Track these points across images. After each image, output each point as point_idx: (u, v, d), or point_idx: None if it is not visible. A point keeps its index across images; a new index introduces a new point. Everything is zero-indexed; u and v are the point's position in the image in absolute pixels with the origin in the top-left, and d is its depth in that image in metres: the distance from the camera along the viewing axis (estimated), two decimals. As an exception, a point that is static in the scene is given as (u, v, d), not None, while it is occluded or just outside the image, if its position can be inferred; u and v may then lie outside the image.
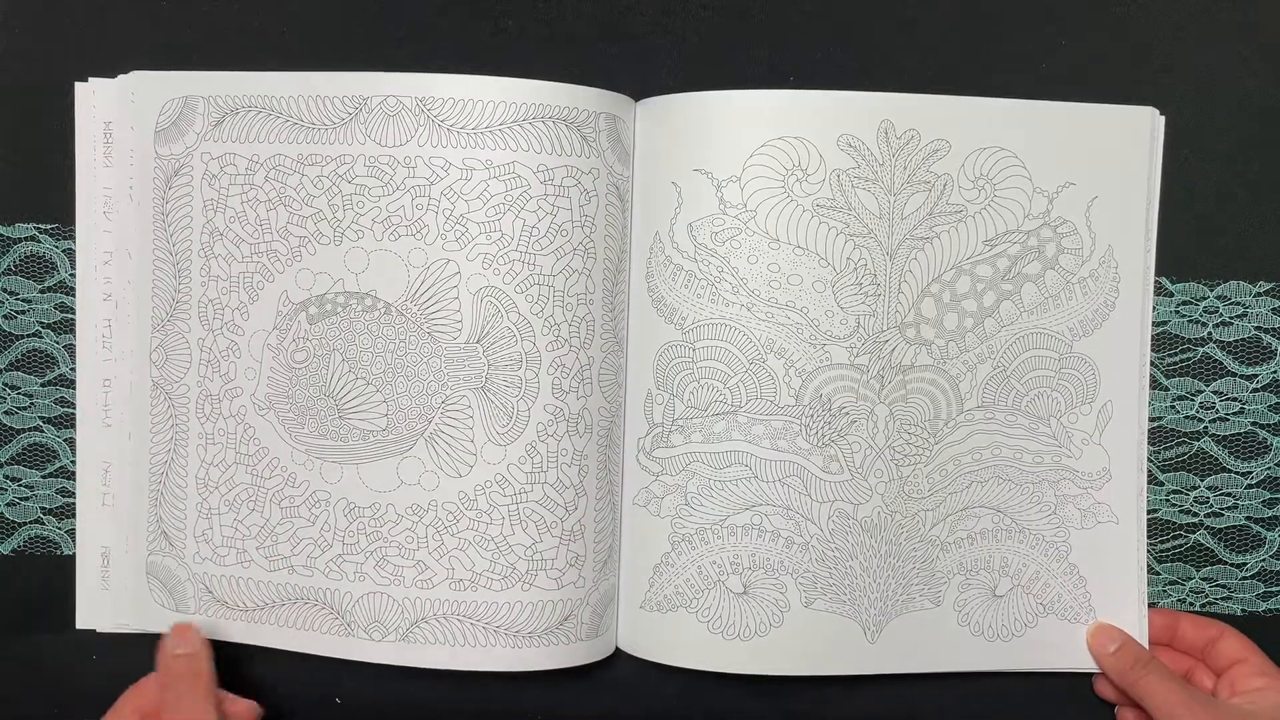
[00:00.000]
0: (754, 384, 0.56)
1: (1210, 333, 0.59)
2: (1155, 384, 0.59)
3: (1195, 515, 0.59)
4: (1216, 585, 0.60)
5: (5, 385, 0.60)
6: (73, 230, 0.59)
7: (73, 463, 0.60)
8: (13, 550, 0.61)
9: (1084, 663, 0.58)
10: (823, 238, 0.55)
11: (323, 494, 0.56)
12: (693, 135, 0.55)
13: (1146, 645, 0.57)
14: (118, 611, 0.59)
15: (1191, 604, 0.60)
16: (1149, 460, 0.58)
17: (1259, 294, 0.58)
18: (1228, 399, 0.59)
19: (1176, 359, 0.59)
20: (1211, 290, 0.59)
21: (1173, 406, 0.59)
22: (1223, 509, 0.59)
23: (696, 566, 0.56)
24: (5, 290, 0.60)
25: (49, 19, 0.59)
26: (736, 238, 0.55)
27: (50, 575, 0.60)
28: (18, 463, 0.60)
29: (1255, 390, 0.59)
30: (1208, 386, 0.59)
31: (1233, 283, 0.58)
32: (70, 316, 0.60)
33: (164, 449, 0.58)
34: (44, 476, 0.60)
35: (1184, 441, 0.59)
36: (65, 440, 0.60)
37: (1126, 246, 0.57)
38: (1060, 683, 0.59)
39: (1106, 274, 0.57)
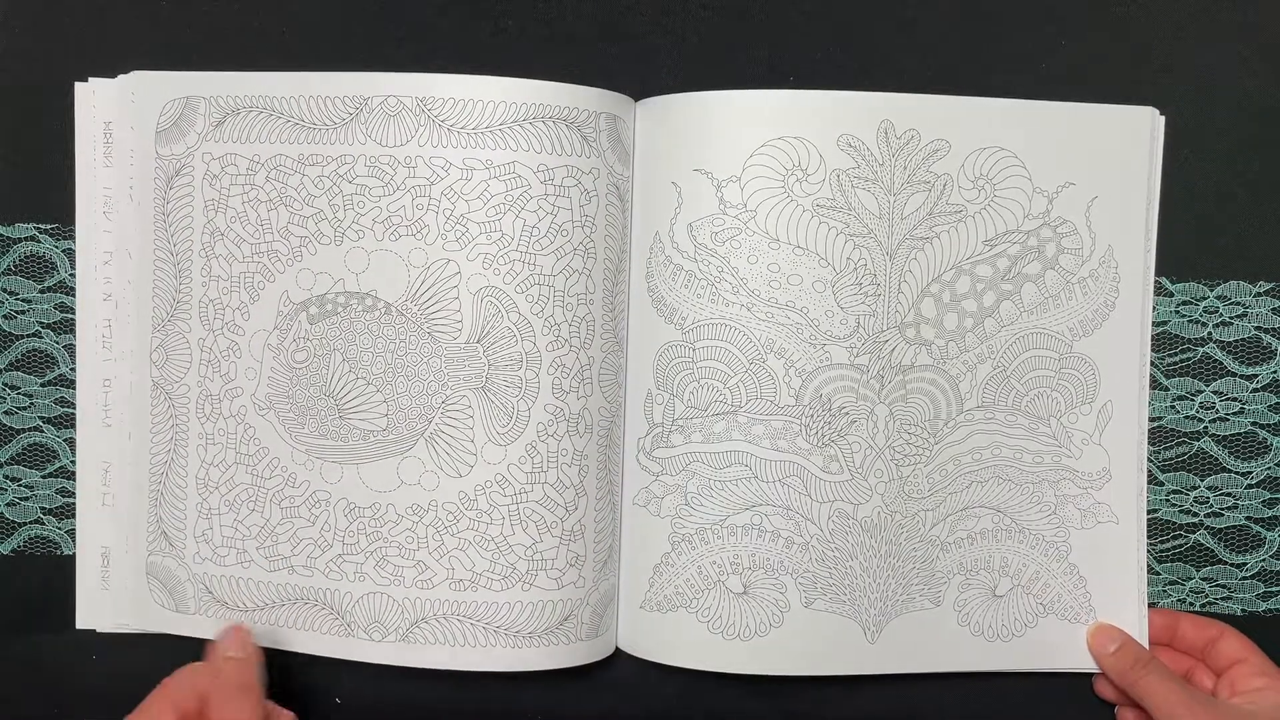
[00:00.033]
0: (754, 384, 0.56)
1: (1210, 333, 0.59)
2: (1155, 384, 0.59)
3: (1195, 515, 0.59)
4: (1216, 585, 0.60)
5: (5, 385, 0.60)
6: (73, 230, 0.59)
7: (73, 463, 0.60)
8: (13, 550, 0.61)
9: (1084, 663, 0.58)
10: (823, 238, 0.55)
11: (323, 494, 0.56)
12: (693, 135, 0.55)
13: (1146, 645, 0.57)
14: (118, 611, 0.59)
15: (1191, 604, 0.60)
16: (1149, 460, 0.58)
17: (1259, 294, 0.58)
18: (1228, 399, 0.59)
19: (1176, 359, 0.59)
20: (1211, 290, 0.59)
21: (1173, 406, 0.59)
22: (1223, 509, 0.59)
23: (696, 566, 0.56)
24: (5, 290, 0.60)
25: (49, 19, 0.59)
26: (736, 238, 0.55)
27: (50, 575, 0.60)
28: (18, 463, 0.60)
29: (1255, 390, 0.59)
30: (1208, 386, 0.59)
31: (1233, 283, 0.58)
32: (70, 316, 0.60)
33: (164, 449, 0.58)
34: (44, 476, 0.60)
35: (1184, 441, 0.59)
36: (65, 440, 0.60)
37: (1126, 246, 0.57)
38: (1060, 683, 0.59)
39: (1106, 274, 0.57)
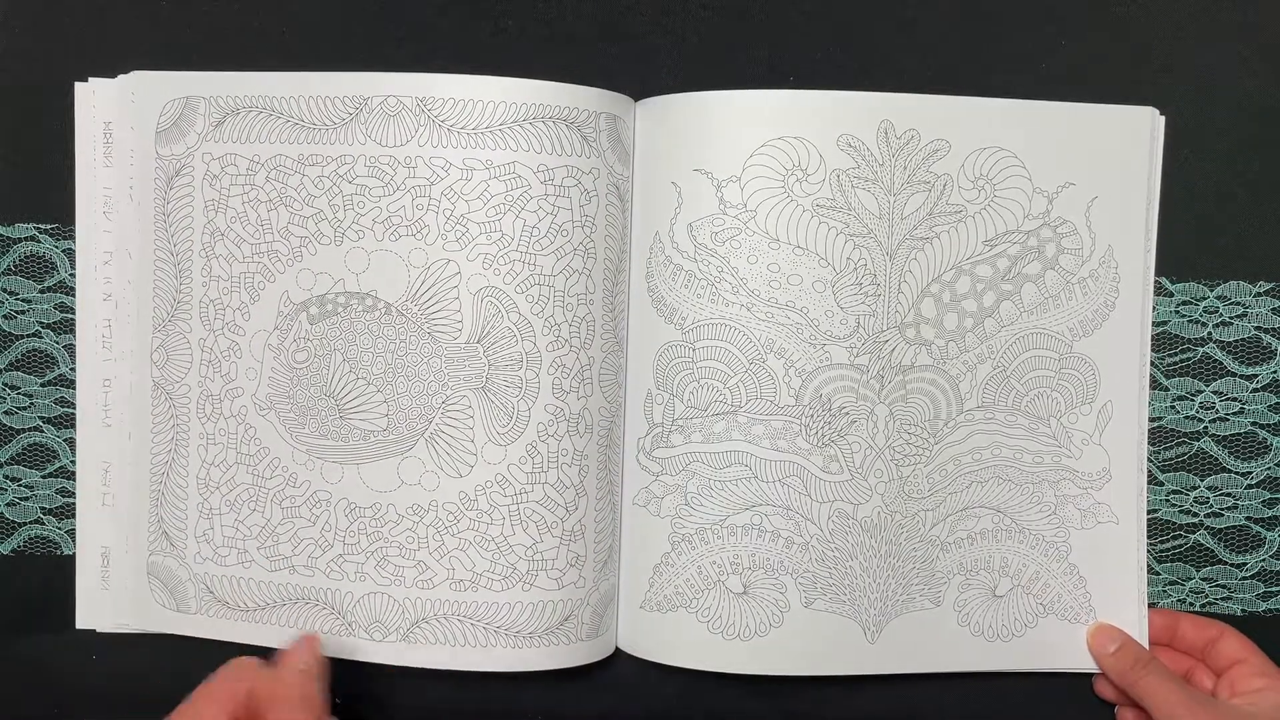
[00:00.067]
0: (754, 384, 0.56)
1: (1210, 333, 0.59)
2: (1155, 384, 0.59)
3: (1195, 515, 0.59)
4: (1216, 585, 0.60)
5: (5, 385, 0.60)
6: (73, 230, 0.59)
7: (73, 463, 0.60)
8: (13, 550, 0.61)
9: (1084, 663, 0.58)
10: (823, 238, 0.55)
11: (323, 494, 0.56)
12: (693, 135, 0.55)
13: (1146, 645, 0.57)
14: (118, 611, 0.59)
15: (1191, 604, 0.60)
16: (1149, 460, 0.58)
17: (1259, 294, 0.58)
18: (1228, 399, 0.59)
19: (1176, 359, 0.59)
20: (1211, 290, 0.59)
21: (1173, 406, 0.59)
22: (1223, 509, 0.59)
23: (696, 566, 0.56)
24: (5, 290, 0.60)
25: (49, 19, 0.59)
26: (736, 238, 0.55)
27: (50, 575, 0.60)
28: (18, 463, 0.60)
29: (1255, 390, 0.59)
30: (1208, 386, 0.59)
31: (1233, 283, 0.58)
32: (70, 316, 0.60)
33: (165, 449, 0.58)
34: (44, 476, 0.60)
35: (1184, 441, 0.59)
36: (65, 440, 0.60)
37: (1126, 246, 0.57)
38: (1060, 683, 0.59)
39: (1106, 274, 0.57)
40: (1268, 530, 0.59)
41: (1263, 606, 0.60)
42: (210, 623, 0.58)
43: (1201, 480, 0.59)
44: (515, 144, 0.54)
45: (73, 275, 0.59)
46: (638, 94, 0.57)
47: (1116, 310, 0.57)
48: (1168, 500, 0.59)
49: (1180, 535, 0.59)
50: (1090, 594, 0.58)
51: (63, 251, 0.60)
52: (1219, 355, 0.59)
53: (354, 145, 0.55)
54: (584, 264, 0.55)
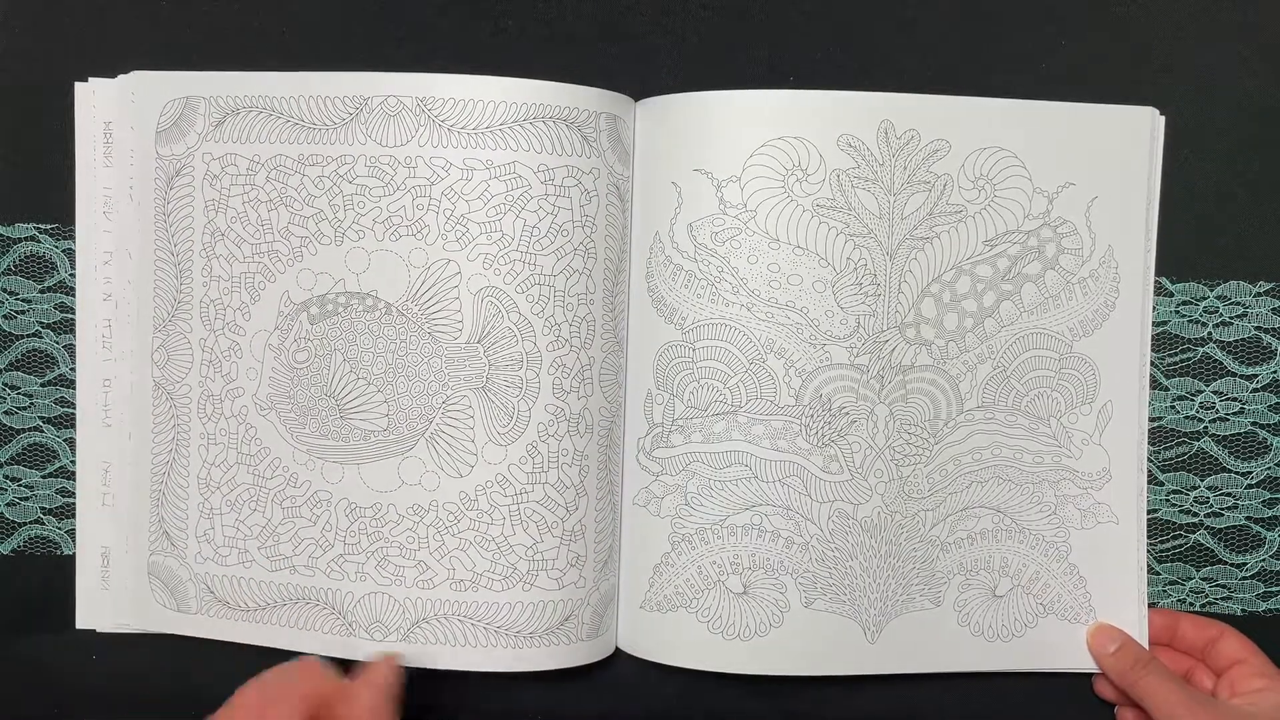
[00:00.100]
0: (754, 384, 0.56)
1: (1210, 333, 0.59)
2: (1155, 384, 0.59)
3: (1195, 515, 0.59)
4: (1216, 585, 0.60)
5: (5, 385, 0.60)
6: (73, 230, 0.59)
7: (73, 463, 0.60)
8: (13, 550, 0.61)
9: (1084, 663, 0.58)
10: (823, 238, 0.55)
11: (324, 494, 0.56)
12: (693, 135, 0.55)
13: (1146, 645, 0.57)
14: (118, 611, 0.59)
15: (1191, 604, 0.60)
16: (1149, 460, 0.58)
17: (1259, 294, 0.58)
18: (1228, 399, 0.59)
19: (1176, 359, 0.59)
20: (1211, 290, 0.59)
21: (1173, 406, 0.59)
22: (1223, 509, 0.59)
23: (696, 566, 0.56)
24: (5, 290, 0.60)
25: (49, 19, 0.59)
26: (736, 238, 0.55)
27: (50, 575, 0.60)
28: (18, 463, 0.60)
29: (1255, 390, 0.59)
30: (1208, 386, 0.59)
31: (1233, 283, 0.59)
32: (70, 316, 0.60)
33: (165, 449, 0.58)
34: (44, 476, 0.60)
35: (1184, 441, 0.59)
36: (65, 440, 0.60)
37: (1126, 246, 0.57)
38: (1060, 683, 0.59)
39: (1106, 274, 0.57)
40: (1268, 530, 0.59)
41: (1263, 606, 0.60)
42: (211, 623, 0.58)
43: (1201, 480, 0.59)
44: (515, 144, 0.54)
45: (73, 275, 0.59)
46: (638, 94, 0.57)
47: (1116, 310, 0.57)
48: (1168, 500, 0.59)
49: (1180, 535, 0.59)
50: (1090, 594, 0.58)
51: (63, 251, 0.60)
52: (1219, 355, 0.59)
53: (354, 145, 0.55)
54: (584, 264, 0.55)
